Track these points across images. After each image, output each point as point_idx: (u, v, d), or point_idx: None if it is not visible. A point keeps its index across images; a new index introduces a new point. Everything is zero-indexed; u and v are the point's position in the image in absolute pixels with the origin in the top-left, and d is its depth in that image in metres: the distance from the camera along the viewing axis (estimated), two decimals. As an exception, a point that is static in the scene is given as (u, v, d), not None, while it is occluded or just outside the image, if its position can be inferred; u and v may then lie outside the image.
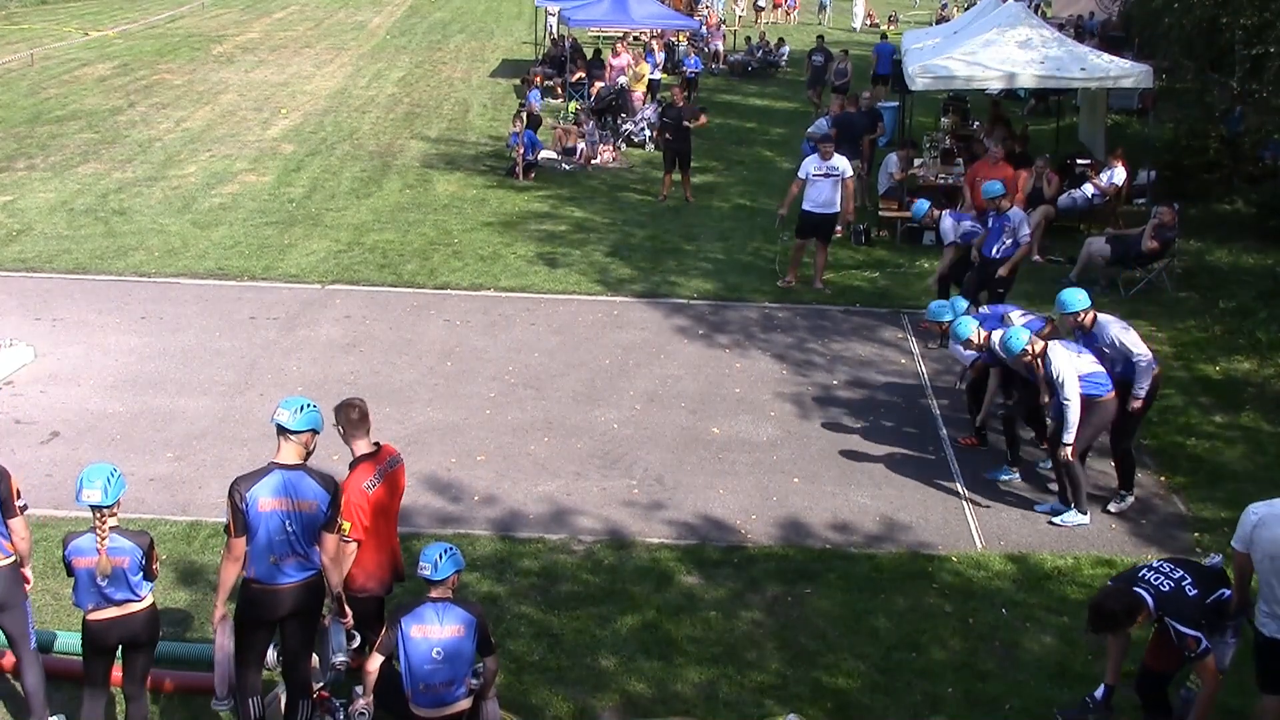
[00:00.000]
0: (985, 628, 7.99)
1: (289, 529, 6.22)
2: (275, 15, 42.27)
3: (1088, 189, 16.53)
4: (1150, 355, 9.20)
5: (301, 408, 6.33)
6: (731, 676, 7.46)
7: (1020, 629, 7.97)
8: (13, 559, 6.53)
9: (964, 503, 9.65)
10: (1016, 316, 9.99)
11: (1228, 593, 6.43)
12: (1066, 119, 22.88)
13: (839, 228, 14.98)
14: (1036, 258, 15.61)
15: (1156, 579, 6.37)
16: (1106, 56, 17.12)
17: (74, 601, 6.32)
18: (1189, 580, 6.35)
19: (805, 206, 14.28)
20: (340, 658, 6.56)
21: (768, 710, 7.11)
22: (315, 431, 6.38)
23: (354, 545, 6.63)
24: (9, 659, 6.99)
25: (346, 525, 6.58)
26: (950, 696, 7.31)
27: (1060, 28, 24.05)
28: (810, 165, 14.15)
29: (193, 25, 39.18)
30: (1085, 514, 9.24)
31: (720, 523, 9.28)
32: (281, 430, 6.30)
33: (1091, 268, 14.66)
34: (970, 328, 9.36)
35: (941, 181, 17.65)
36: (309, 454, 6.38)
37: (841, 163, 14.23)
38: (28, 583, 6.70)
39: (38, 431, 10.41)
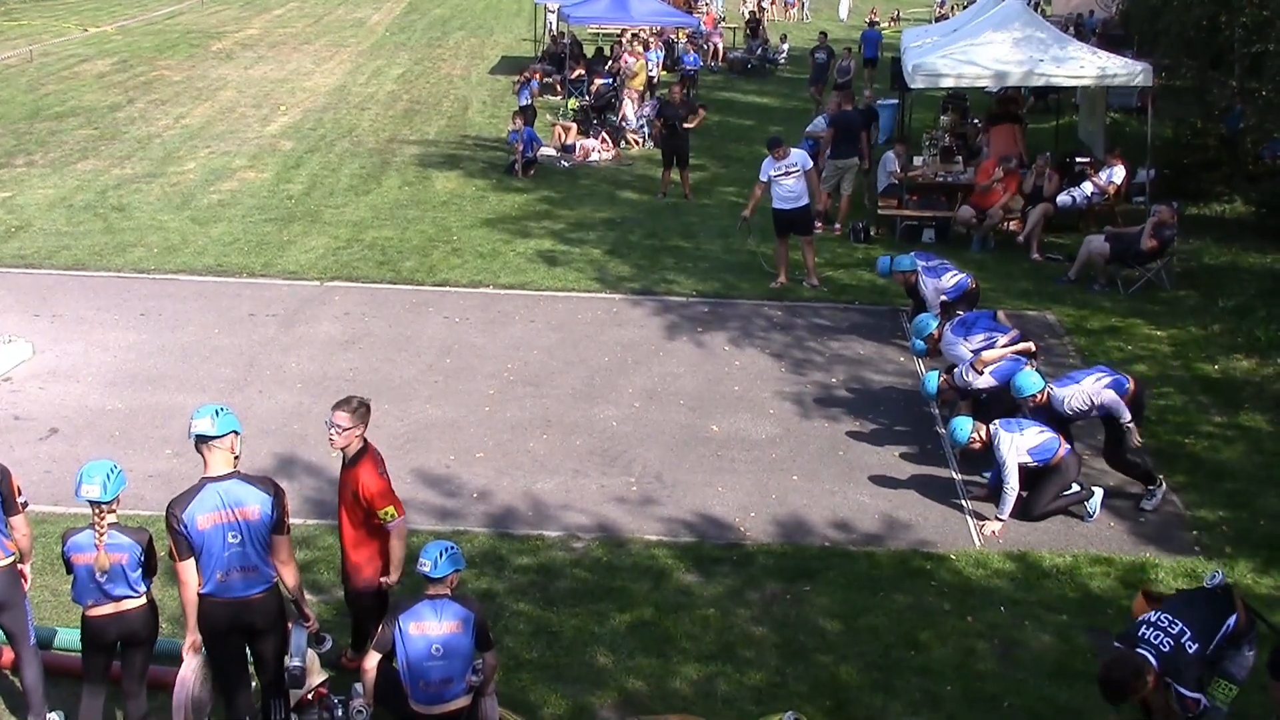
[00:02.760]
0: (984, 626, 7.99)
1: (234, 540, 6.08)
2: (274, 12, 42.26)
3: (1087, 187, 16.52)
4: (1110, 396, 9.35)
5: (217, 412, 6.13)
6: (729, 674, 7.46)
7: (1019, 627, 7.97)
8: (12, 558, 6.53)
9: (963, 501, 9.66)
10: (982, 347, 10.33)
11: (1233, 620, 6.27)
12: (1066, 117, 22.88)
13: (820, 224, 14.93)
14: (1035, 256, 15.63)
15: (1157, 637, 6.17)
16: (1105, 54, 17.10)
17: (73, 598, 6.33)
18: (1189, 635, 6.14)
19: (775, 205, 14.24)
20: (296, 662, 6.50)
21: (766, 708, 7.11)
22: (236, 433, 6.21)
23: (404, 525, 6.79)
24: (8, 655, 6.99)
25: (390, 510, 6.64)
26: (949, 694, 7.31)
27: (1059, 26, 24.05)
28: (769, 168, 14.15)
29: (192, 22, 39.16)
30: (1092, 494, 9.41)
31: (719, 520, 9.28)
32: (203, 440, 6.09)
33: (1090, 266, 14.67)
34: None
35: (941, 179, 17.66)
36: (237, 458, 6.23)
37: (799, 156, 14.23)
38: (26, 580, 6.70)
39: (36, 428, 10.41)
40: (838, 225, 16.88)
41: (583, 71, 26.79)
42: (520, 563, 8.60)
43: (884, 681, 7.42)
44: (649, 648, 7.68)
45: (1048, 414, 9.42)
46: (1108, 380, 9.49)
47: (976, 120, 21.27)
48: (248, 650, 6.48)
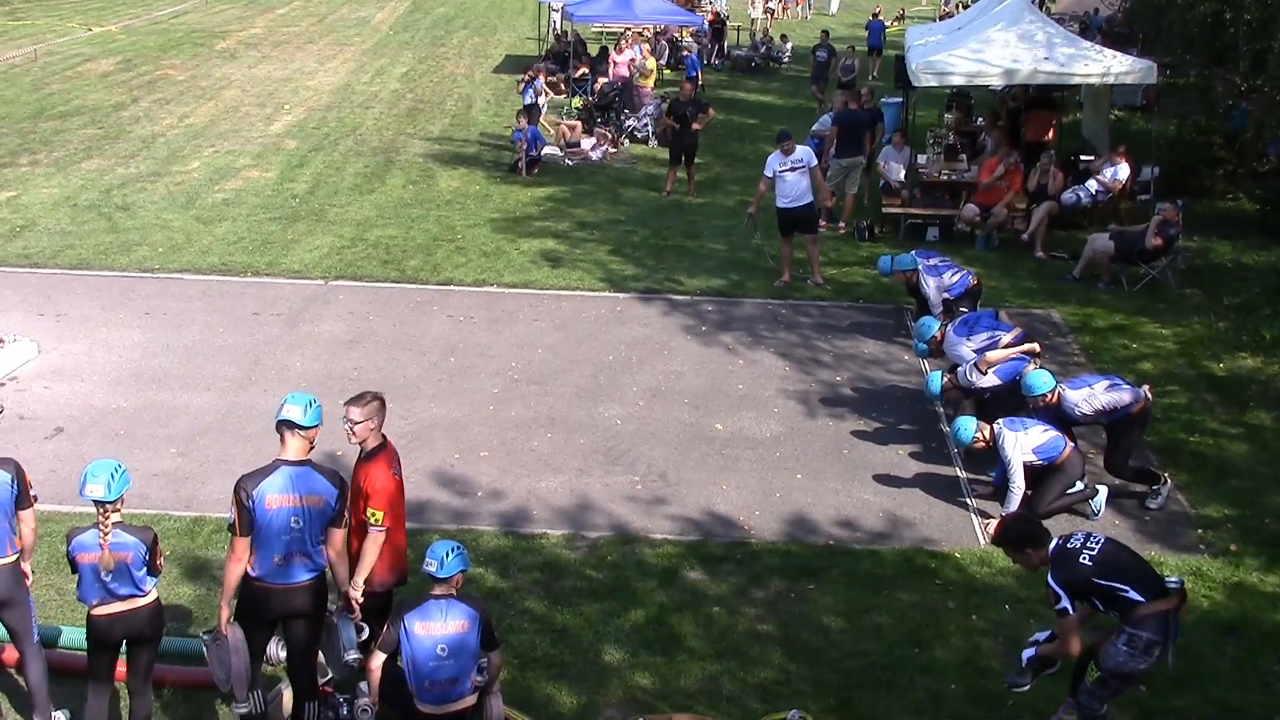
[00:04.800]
0: (988, 624, 7.99)
1: (296, 525, 6.21)
2: (278, 11, 42.27)
3: (1091, 185, 16.49)
4: (1124, 400, 9.37)
5: (310, 403, 6.34)
6: (734, 672, 7.46)
7: (1023, 626, 7.94)
8: (16, 556, 6.54)
9: (967, 499, 9.66)
10: (985, 346, 10.30)
11: (1137, 597, 6.21)
12: (1070, 115, 22.85)
13: (824, 221, 14.97)
14: (1040, 254, 15.61)
15: (1075, 538, 6.48)
16: (1110, 52, 17.09)
17: (78, 596, 6.33)
18: (1093, 554, 6.34)
19: (779, 204, 14.23)
20: (353, 654, 6.53)
21: (771, 706, 7.11)
22: (319, 428, 6.40)
23: (384, 535, 6.62)
24: (12, 654, 7.01)
25: (380, 514, 6.55)
26: (953, 693, 7.31)
27: (1064, 23, 24.02)
28: (775, 163, 14.13)
29: (196, 21, 39.18)
30: (1096, 493, 9.41)
31: (724, 518, 9.29)
32: (290, 426, 6.27)
33: (1095, 264, 14.65)
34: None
35: (945, 178, 17.64)
36: (311, 449, 6.39)
37: (804, 153, 14.20)
38: (27, 578, 6.72)
39: (42, 427, 10.43)
40: (842, 224, 16.87)
41: (586, 70, 26.78)
42: (526, 561, 8.61)
43: (888, 680, 7.42)
44: (654, 646, 7.69)
45: (1056, 415, 9.41)
46: (1123, 389, 9.49)
47: (980, 118, 21.27)
48: (277, 638, 6.54)
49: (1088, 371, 11.51)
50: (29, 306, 13.06)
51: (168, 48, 32.79)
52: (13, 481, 6.46)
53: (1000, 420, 9.27)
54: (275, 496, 6.17)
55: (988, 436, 9.22)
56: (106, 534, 6.11)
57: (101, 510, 6.13)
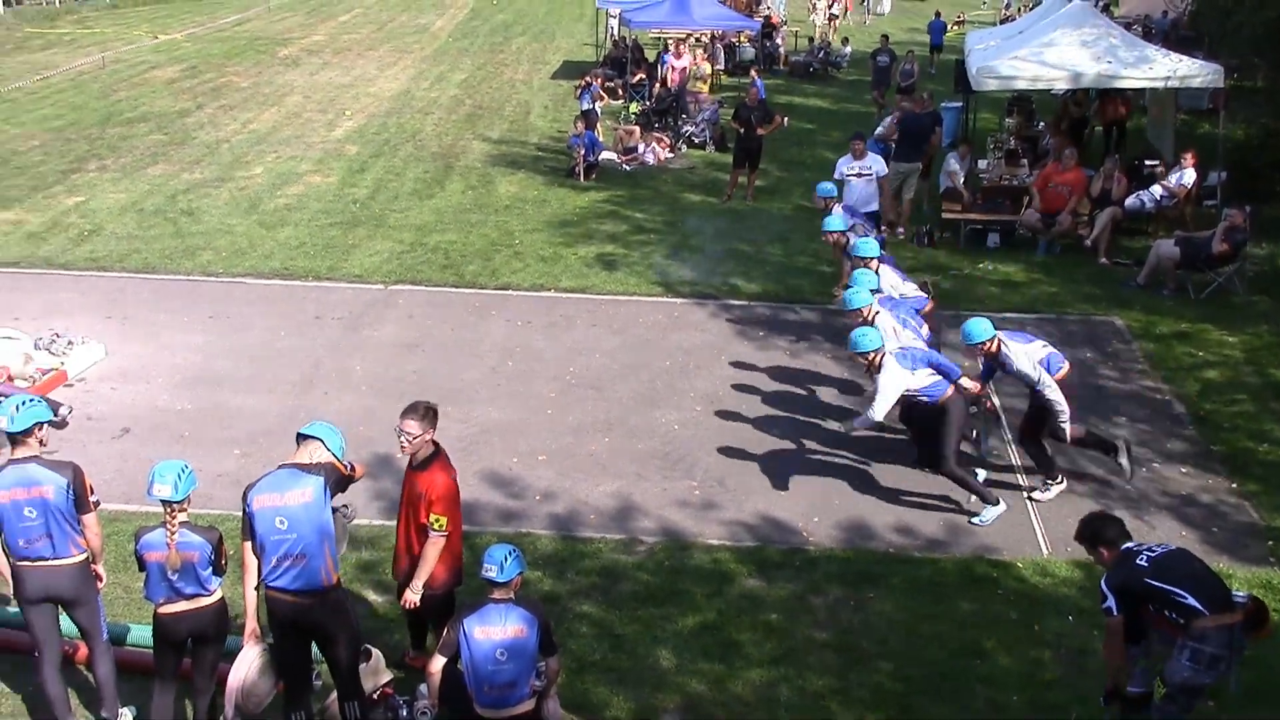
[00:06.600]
0: (1050, 635, 7.89)
1: (280, 526, 6.19)
2: (340, 18, 42.78)
3: (1156, 190, 16.23)
4: (1050, 376, 9.28)
5: (325, 425, 6.61)
6: (792, 679, 7.43)
7: (1086, 636, 7.84)
8: (85, 556, 6.64)
9: (1029, 507, 9.54)
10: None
11: (1196, 604, 6.10)
12: (1134, 119, 22.50)
13: (886, 228, 14.94)
14: (1104, 260, 15.39)
15: (1143, 544, 6.54)
16: (1175, 55, 16.82)
17: (145, 595, 6.44)
18: (1152, 555, 6.31)
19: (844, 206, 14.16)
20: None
21: (829, 714, 7.06)
22: (322, 443, 6.54)
23: (444, 540, 6.73)
24: (83, 651, 7.13)
25: (443, 520, 6.66)
26: (1014, 704, 7.22)
27: (1128, 27, 23.69)
28: (843, 166, 14.03)
29: (259, 28, 39.75)
30: (996, 503, 9.31)
31: (782, 524, 9.25)
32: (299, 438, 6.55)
33: (1160, 271, 14.41)
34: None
35: (1006, 182, 17.46)
36: (316, 464, 6.47)
37: (875, 161, 14.07)
38: (100, 580, 6.82)
39: (108, 428, 10.61)
40: (901, 229, 16.75)
41: (644, 75, 26.82)
42: (583, 565, 8.62)
43: (948, 689, 7.35)
44: (711, 652, 7.67)
45: (993, 365, 9.51)
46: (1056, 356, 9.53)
47: (1042, 123, 21.02)
48: (314, 649, 6.57)
49: (1149, 380, 11.39)
50: (96, 309, 13.30)
51: (231, 55, 33.28)
52: (69, 486, 6.47)
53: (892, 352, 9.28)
54: (260, 497, 6.25)
55: (878, 363, 9.22)
56: (173, 533, 6.21)
57: (168, 510, 6.23)
